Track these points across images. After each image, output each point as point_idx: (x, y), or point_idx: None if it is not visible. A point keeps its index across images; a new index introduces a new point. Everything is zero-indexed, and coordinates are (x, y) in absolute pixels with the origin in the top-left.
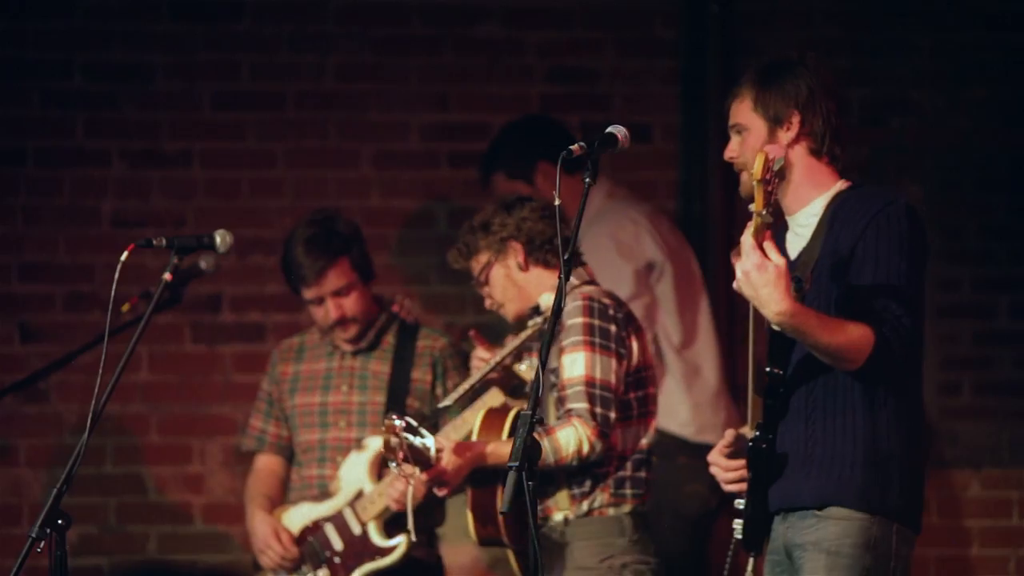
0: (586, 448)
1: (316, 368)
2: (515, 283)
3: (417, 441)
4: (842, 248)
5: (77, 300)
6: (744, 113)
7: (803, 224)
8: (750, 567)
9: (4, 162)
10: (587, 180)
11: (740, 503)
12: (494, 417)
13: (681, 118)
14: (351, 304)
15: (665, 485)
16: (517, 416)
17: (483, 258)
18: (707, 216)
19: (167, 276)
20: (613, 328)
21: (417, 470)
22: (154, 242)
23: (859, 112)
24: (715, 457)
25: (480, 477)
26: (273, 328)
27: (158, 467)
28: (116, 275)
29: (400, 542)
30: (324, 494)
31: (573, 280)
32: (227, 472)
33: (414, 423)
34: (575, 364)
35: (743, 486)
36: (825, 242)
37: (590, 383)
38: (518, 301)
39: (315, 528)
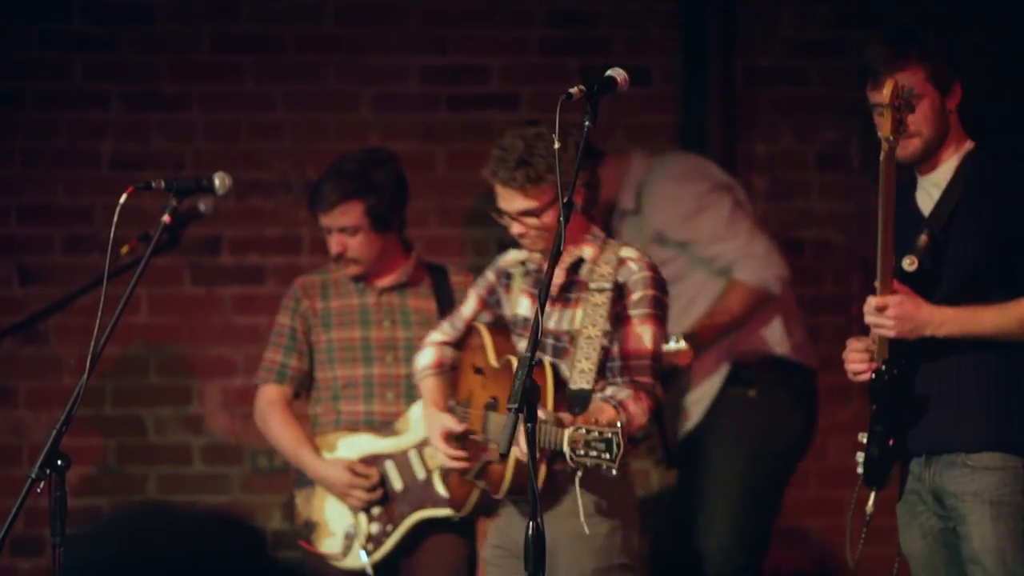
0: (646, 425)
1: (348, 304)
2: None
3: None
4: (986, 205)
5: (76, 242)
6: (919, 81)
7: (935, 183)
8: (871, 501)
9: (2, 104)
10: (587, 123)
11: (862, 437)
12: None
13: (680, 61)
14: (355, 245)
15: (760, 416)
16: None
17: (553, 193)
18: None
19: (166, 218)
20: (667, 299)
21: None
22: (153, 184)
23: (858, 55)
24: (852, 342)
25: None
26: (272, 270)
27: (157, 408)
28: (115, 217)
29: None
30: (381, 430)
31: (633, 251)
32: (226, 413)
33: None
34: (644, 337)
35: (862, 377)
36: (964, 197)
37: (656, 358)
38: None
39: (374, 461)
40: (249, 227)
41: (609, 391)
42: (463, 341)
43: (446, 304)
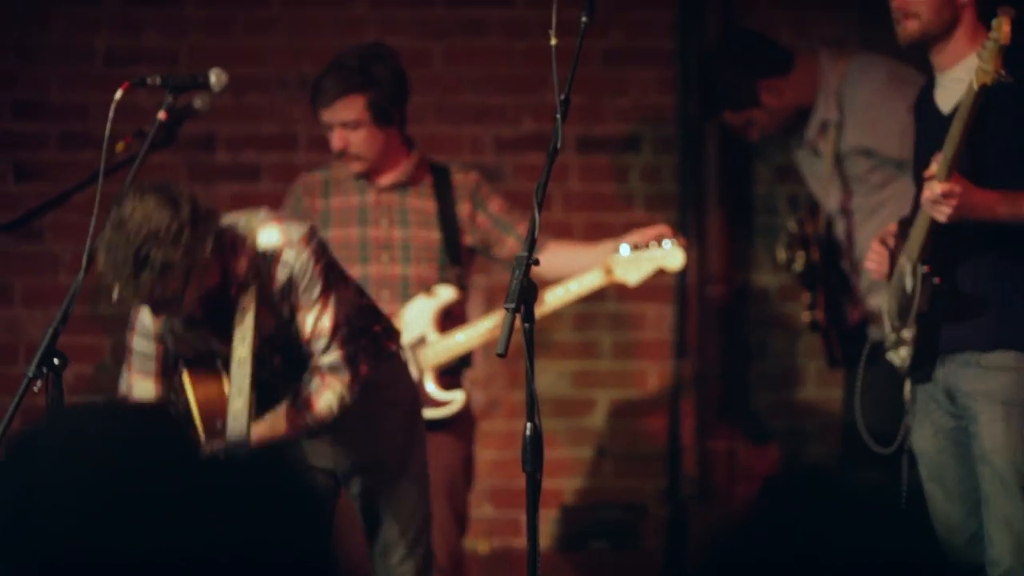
0: (349, 399)
1: (348, 202)
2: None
3: None
4: (1008, 103)
5: (71, 139)
6: None
7: (957, 79)
8: (907, 389)
9: None
10: (584, 19)
11: (907, 334)
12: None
13: None
14: (357, 141)
15: None
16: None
17: (179, 282)
18: (704, 53)
19: (161, 115)
20: (329, 254)
21: None
22: (148, 81)
23: None
24: (876, 244)
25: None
26: (268, 168)
27: None
28: (110, 114)
29: (456, 398)
30: None
31: (277, 236)
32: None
33: None
34: (322, 320)
35: (879, 275)
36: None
37: (338, 327)
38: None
39: None
40: (245, 124)
41: (302, 385)
42: None
43: (446, 204)
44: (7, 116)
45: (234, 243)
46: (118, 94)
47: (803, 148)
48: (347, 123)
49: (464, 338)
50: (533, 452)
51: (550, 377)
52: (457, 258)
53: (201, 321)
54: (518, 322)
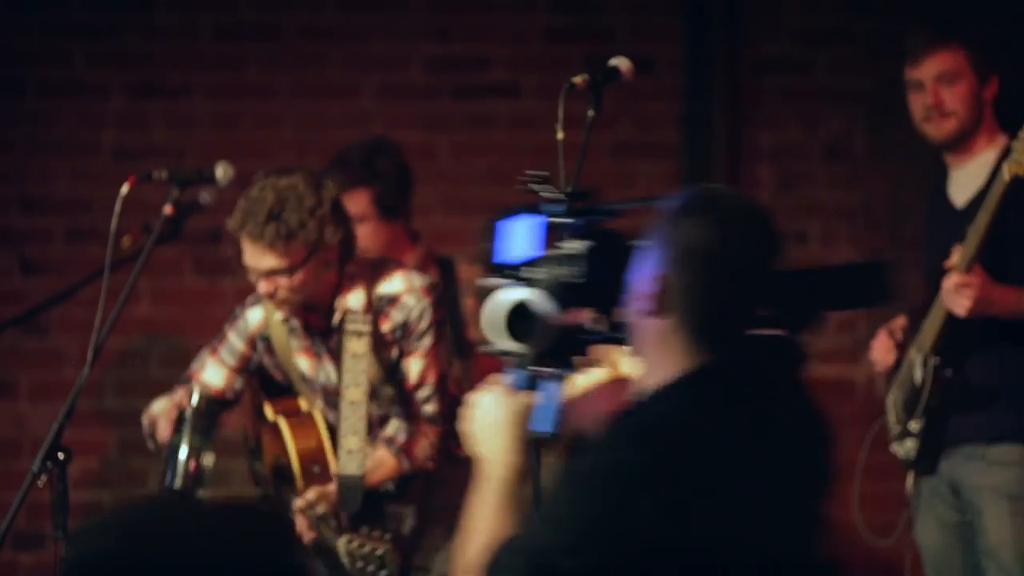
0: (438, 451)
1: None
2: (318, 280)
3: None
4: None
5: (77, 233)
6: (960, 62)
7: (969, 174)
8: (909, 480)
9: (3, 93)
10: (591, 113)
11: (914, 426)
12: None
13: (685, 49)
14: (363, 235)
15: None
16: None
17: (306, 250)
18: (710, 149)
19: (168, 209)
20: (445, 312)
21: None
22: (154, 175)
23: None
24: (883, 335)
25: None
26: None
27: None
28: (117, 208)
29: None
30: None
31: (400, 281)
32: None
33: None
34: (428, 371)
35: (884, 366)
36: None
37: (440, 382)
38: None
39: None
40: None
41: (390, 429)
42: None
43: (452, 297)
44: (14, 211)
45: (359, 269)
46: (124, 189)
47: None
48: (352, 217)
49: None
50: None
51: None
52: (463, 351)
53: (299, 339)
54: None
